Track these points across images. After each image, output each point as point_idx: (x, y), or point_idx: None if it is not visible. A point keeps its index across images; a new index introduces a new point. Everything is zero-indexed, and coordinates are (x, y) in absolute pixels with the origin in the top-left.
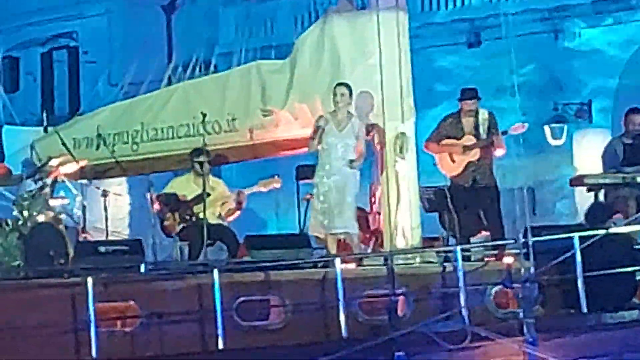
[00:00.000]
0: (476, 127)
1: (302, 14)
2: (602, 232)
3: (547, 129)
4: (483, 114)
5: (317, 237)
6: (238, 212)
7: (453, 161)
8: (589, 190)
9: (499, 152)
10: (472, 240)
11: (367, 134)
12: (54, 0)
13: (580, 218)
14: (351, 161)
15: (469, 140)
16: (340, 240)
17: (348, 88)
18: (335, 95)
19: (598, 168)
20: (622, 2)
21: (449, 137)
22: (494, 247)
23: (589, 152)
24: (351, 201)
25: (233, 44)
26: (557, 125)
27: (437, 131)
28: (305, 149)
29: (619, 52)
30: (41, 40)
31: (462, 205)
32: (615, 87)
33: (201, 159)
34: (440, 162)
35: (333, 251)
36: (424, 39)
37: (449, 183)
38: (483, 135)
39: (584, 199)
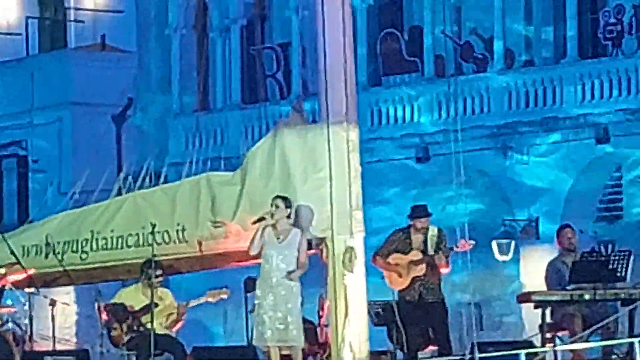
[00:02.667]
0: (424, 242)
1: (252, 125)
2: (547, 348)
3: (494, 244)
4: (432, 231)
5: (264, 350)
6: (180, 323)
7: (400, 276)
8: (536, 307)
9: (443, 271)
10: (419, 354)
11: (317, 246)
12: (3, 108)
13: (527, 334)
14: (289, 272)
15: (416, 255)
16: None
17: (284, 201)
18: (270, 206)
19: (544, 284)
20: (570, 120)
21: (397, 252)
22: None
23: (536, 267)
24: (295, 313)
25: (183, 155)
26: (505, 240)
27: (386, 245)
28: (255, 261)
29: (567, 169)
30: None
31: (410, 319)
32: (562, 205)
33: (150, 271)
34: (388, 277)
35: None
36: (372, 152)
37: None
38: (431, 251)
39: (531, 315)
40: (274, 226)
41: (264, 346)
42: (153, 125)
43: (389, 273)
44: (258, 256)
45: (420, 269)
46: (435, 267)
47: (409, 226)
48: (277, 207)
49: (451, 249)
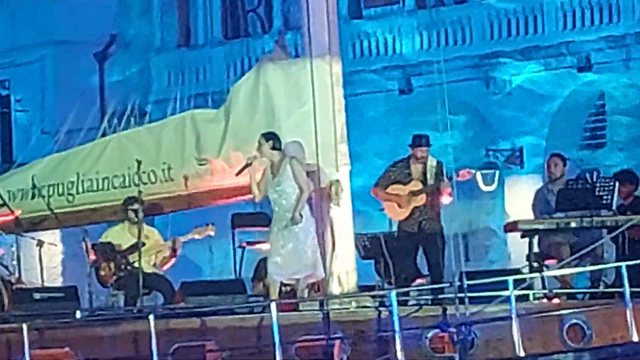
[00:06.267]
0: (424, 173)
1: (234, 61)
2: (537, 275)
3: (478, 174)
4: (431, 161)
5: (255, 284)
6: (173, 260)
7: (400, 206)
8: (523, 236)
9: (445, 200)
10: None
11: None
12: None
13: (513, 264)
14: (292, 218)
15: (416, 185)
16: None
17: (264, 136)
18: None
19: (529, 214)
20: (552, 49)
21: (396, 182)
22: (430, 292)
23: (520, 198)
24: (310, 244)
25: (166, 92)
26: (489, 171)
27: (385, 176)
28: (241, 197)
29: (550, 98)
30: None
31: (401, 252)
32: (546, 134)
33: (135, 206)
34: (387, 207)
35: (275, 297)
36: (355, 85)
37: (384, 230)
38: (430, 182)
39: (516, 245)
40: (271, 165)
41: (284, 278)
42: (135, 62)
43: (389, 204)
44: (247, 193)
45: (421, 199)
46: (436, 197)
47: (409, 157)
48: (259, 144)
49: (450, 178)
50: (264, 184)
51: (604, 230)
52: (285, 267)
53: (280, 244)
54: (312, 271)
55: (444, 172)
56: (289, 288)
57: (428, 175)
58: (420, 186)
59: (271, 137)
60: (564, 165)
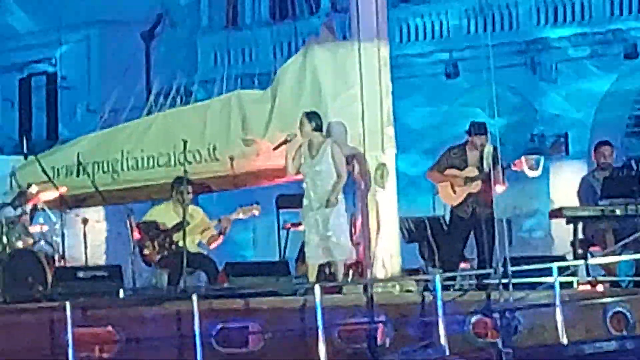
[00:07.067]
0: (480, 160)
1: (281, 42)
2: (581, 262)
3: (523, 160)
4: (488, 148)
5: (298, 266)
6: (220, 239)
7: (454, 191)
8: (568, 222)
9: (499, 189)
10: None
11: (347, 163)
12: (31, 26)
13: (557, 250)
14: (327, 201)
15: (472, 172)
16: (322, 268)
17: (307, 115)
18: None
19: (574, 200)
20: (599, 35)
21: (452, 168)
22: (475, 277)
23: (565, 184)
24: (340, 230)
25: (212, 72)
26: (534, 156)
27: (441, 161)
28: (286, 179)
29: (595, 84)
30: (19, 65)
31: (448, 236)
32: (591, 120)
33: (182, 188)
34: (442, 192)
35: (313, 279)
36: (402, 68)
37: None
38: (486, 169)
39: (560, 231)
40: (309, 143)
41: (321, 258)
42: (182, 42)
43: (444, 188)
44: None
45: (476, 186)
46: (490, 184)
47: (465, 142)
48: (301, 123)
49: (507, 166)
50: (297, 159)
51: None
52: (319, 249)
53: (315, 226)
54: (346, 254)
55: (500, 159)
56: (331, 269)
57: (484, 163)
58: (476, 172)
59: (314, 117)
60: (612, 152)
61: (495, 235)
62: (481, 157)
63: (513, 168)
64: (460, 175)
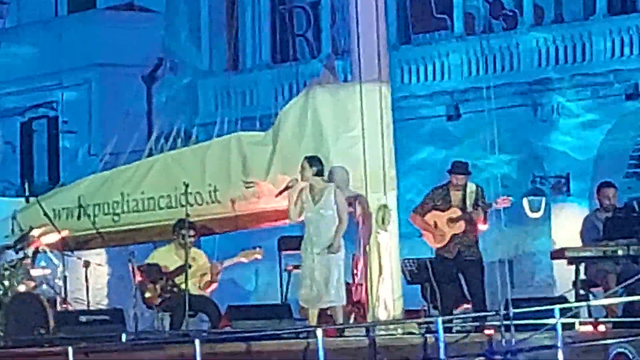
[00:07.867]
0: (463, 199)
1: (282, 85)
2: (583, 303)
3: (525, 201)
4: (470, 187)
5: (300, 308)
6: (215, 285)
7: (435, 235)
8: (570, 263)
9: (481, 227)
10: (453, 312)
11: (350, 205)
12: (33, 69)
13: (559, 291)
14: (330, 246)
15: (455, 212)
16: (322, 311)
17: (309, 160)
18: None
19: (575, 240)
20: (600, 76)
21: (435, 209)
22: (475, 319)
23: (567, 224)
24: (338, 276)
25: (213, 115)
26: (536, 197)
27: (424, 202)
28: (288, 221)
29: (597, 125)
30: (20, 109)
31: (446, 277)
32: (593, 161)
33: (184, 231)
34: (426, 234)
35: (314, 322)
36: (403, 110)
37: (432, 255)
38: (469, 209)
39: (562, 271)
40: (310, 188)
41: (309, 304)
42: (183, 85)
43: (427, 231)
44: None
45: (459, 226)
46: (474, 224)
47: (448, 182)
48: (302, 168)
49: (490, 205)
50: (299, 204)
51: None
52: (314, 292)
53: (313, 270)
54: (337, 300)
55: (483, 197)
56: (330, 312)
57: (467, 202)
58: (458, 213)
59: (315, 162)
60: (615, 194)
61: (485, 275)
62: (464, 197)
63: (496, 206)
64: (442, 217)
